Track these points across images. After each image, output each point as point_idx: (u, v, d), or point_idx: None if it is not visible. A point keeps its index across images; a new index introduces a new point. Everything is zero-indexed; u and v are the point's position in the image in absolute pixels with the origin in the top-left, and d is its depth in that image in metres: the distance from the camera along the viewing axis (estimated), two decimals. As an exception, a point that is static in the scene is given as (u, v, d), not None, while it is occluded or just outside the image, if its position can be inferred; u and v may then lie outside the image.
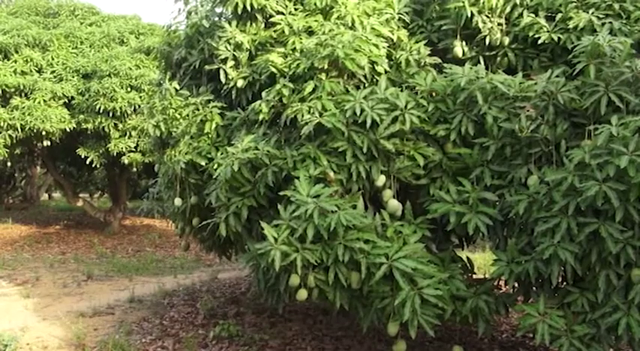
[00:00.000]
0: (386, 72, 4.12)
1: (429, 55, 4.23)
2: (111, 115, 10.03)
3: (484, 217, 3.45)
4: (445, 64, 3.93)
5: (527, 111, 3.39)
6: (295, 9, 4.66)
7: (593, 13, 3.82)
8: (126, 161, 10.41)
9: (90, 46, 11.19)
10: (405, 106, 3.64)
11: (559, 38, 3.89)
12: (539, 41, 3.93)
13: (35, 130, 9.87)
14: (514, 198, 3.37)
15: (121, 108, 9.93)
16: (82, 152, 10.67)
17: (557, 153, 3.40)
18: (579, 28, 3.79)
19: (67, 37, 11.17)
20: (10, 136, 9.83)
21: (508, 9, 4.16)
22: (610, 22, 3.72)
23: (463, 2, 4.12)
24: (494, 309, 3.55)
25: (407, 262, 3.28)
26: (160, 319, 5.77)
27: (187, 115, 4.60)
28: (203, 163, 4.40)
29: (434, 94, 3.81)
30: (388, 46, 4.27)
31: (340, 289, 3.59)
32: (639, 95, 3.24)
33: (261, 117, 4.13)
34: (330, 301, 3.66)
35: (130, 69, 10.22)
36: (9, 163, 13.11)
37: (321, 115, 3.73)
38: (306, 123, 3.72)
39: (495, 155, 3.57)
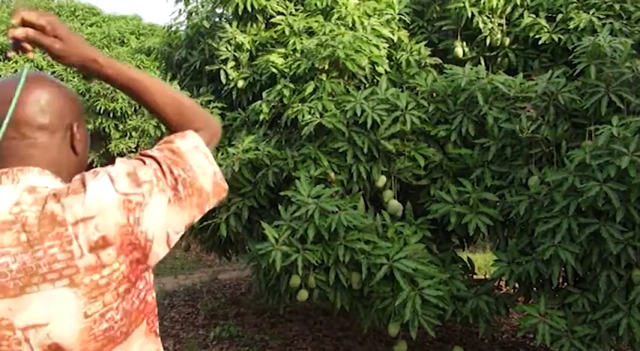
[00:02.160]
0: (386, 72, 4.12)
1: (430, 55, 4.23)
2: (111, 115, 10.03)
3: (485, 218, 3.44)
4: (446, 65, 3.93)
5: (528, 111, 3.39)
6: (296, 9, 4.66)
7: (593, 13, 3.82)
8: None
9: (90, 47, 11.19)
10: (406, 107, 3.64)
11: (560, 39, 3.89)
12: (540, 42, 3.93)
13: (36, 131, 9.87)
14: (515, 198, 3.37)
15: (121, 108, 9.93)
16: (82, 153, 10.68)
17: (558, 153, 3.40)
18: (580, 29, 3.78)
19: (67, 37, 11.18)
20: (10, 136, 9.83)
21: (509, 9, 4.16)
22: (611, 23, 3.71)
23: (464, 3, 4.12)
24: (495, 309, 3.55)
25: (407, 263, 3.28)
26: (160, 319, 5.73)
27: (188, 116, 4.60)
28: (204, 164, 4.40)
29: (434, 94, 3.81)
30: (389, 47, 4.27)
31: (341, 289, 3.59)
32: (640, 96, 3.24)
33: (261, 117, 4.13)
34: (331, 302, 3.66)
35: (131, 69, 10.23)
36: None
37: (321, 115, 3.73)
38: (307, 123, 3.72)
39: (496, 156, 3.57)
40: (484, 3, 4.09)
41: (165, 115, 1.09)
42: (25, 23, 0.94)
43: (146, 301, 1.01)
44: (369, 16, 4.43)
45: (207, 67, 4.73)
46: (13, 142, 0.98)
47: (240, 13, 4.50)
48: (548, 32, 3.93)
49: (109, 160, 10.88)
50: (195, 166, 1.03)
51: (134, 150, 10.33)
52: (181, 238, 1.32)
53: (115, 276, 0.94)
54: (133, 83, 1.05)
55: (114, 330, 0.95)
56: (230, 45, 4.55)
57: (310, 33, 4.40)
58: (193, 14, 5.22)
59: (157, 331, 1.06)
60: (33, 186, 0.96)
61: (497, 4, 4.09)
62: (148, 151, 1.04)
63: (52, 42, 0.97)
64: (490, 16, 4.17)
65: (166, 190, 0.99)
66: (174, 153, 1.02)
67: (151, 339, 1.04)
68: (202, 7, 5.20)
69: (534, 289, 3.54)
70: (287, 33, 4.42)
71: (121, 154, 10.27)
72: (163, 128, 4.67)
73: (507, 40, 4.15)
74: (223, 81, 4.57)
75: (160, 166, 1.01)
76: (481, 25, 4.13)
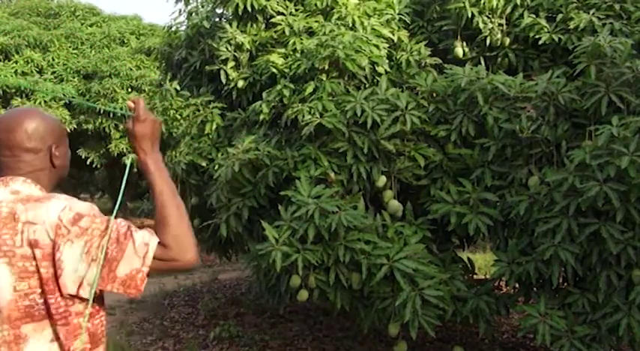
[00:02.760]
0: (386, 72, 4.12)
1: (430, 55, 4.23)
2: (111, 115, 10.04)
3: (485, 218, 3.44)
4: (446, 65, 3.93)
5: (528, 111, 3.39)
6: (296, 9, 4.66)
7: (593, 13, 3.82)
8: (126, 162, 10.42)
9: (91, 47, 11.20)
10: (406, 107, 3.64)
11: (560, 39, 3.89)
12: (540, 42, 3.93)
13: (36, 131, 9.87)
14: (515, 198, 3.37)
15: (121, 109, 9.92)
16: (82, 153, 10.69)
17: (558, 153, 3.40)
18: (580, 29, 3.78)
19: (67, 37, 11.18)
20: (10, 136, 9.83)
21: (509, 9, 4.16)
22: (611, 23, 3.71)
23: (464, 3, 4.12)
24: (495, 309, 3.55)
25: (408, 263, 3.28)
26: (160, 319, 5.77)
27: (188, 116, 4.60)
28: (204, 164, 4.40)
29: (434, 94, 3.80)
30: (389, 47, 4.27)
31: (341, 289, 3.58)
32: (640, 96, 3.24)
33: (261, 118, 4.13)
34: (331, 302, 3.66)
35: (131, 70, 10.24)
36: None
37: (321, 115, 3.73)
38: (307, 124, 3.71)
39: (496, 156, 3.57)
40: (484, 3, 4.09)
41: (157, 218, 1.37)
42: (134, 102, 1.46)
43: (66, 318, 1.29)
44: (369, 16, 4.43)
45: (207, 67, 4.73)
46: (8, 159, 1.39)
47: (240, 13, 4.50)
48: (549, 32, 3.93)
49: (108, 159, 10.90)
50: (127, 254, 1.28)
51: (134, 150, 10.33)
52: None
53: (39, 270, 1.27)
54: (154, 193, 1.42)
55: (34, 309, 1.28)
56: (230, 45, 4.55)
57: (310, 33, 4.40)
58: (193, 14, 5.22)
59: None
60: (17, 190, 1.35)
61: (497, 5, 4.09)
62: (120, 219, 1.33)
63: (128, 122, 1.47)
64: (490, 16, 4.17)
65: (92, 247, 1.27)
66: (126, 236, 1.29)
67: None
68: (202, 7, 5.20)
69: (534, 289, 3.54)
70: (287, 33, 4.42)
71: (121, 154, 10.28)
72: (163, 128, 4.68)
73: (507, 40, 4.15)
74: (223, 81, 4.57)
75: (105, 231, 1.28)
76: (481, 25, 4.13)
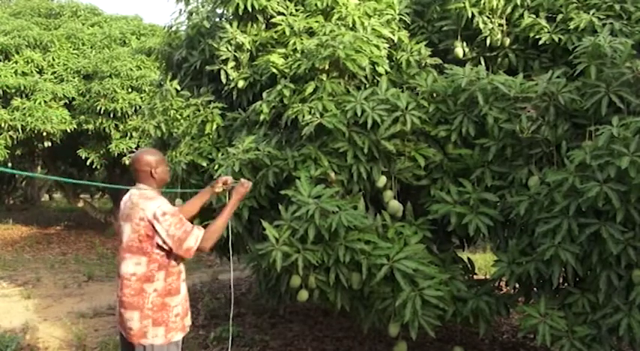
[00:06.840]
0: (387, 73, 4.12)
1: (430, 55, 4.23)
2: (112, 115, 10.03)
3: (485, 218, 3.45)
4: (446, 65, 3.93)
5: (528, 112, 3.39)
6: (296, 10, 4.66)
7: (593, 13, 3.82)
8: (127, 162, 10.41)
9: (91, 47, 11.19)
10: (406, 107, 3.64)
11: (560, 39, 3.89)
12: (540, 42, 3.93)
13: (36, 131, 9.88)
14: (515, 199, 3.37)
15: (121, 109, 9.93)
16: (82, 153, 10.68)
17: (558, 154, 3.40)
18: (580, 29, 3.78)
19: (68, 38, 11.18)
20: (10, 137, 9.84)
21: (509, 10, 4.16)
22: (611, 23, 3.71)
23: (464, 3, 4.12)
24: (495, 310, 3.55)
25: (408, 263, 3.28)
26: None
27: (188, 116, 4.60)
28: (204, 164, 4.40)
29: (435, 94, 3.81)
30: (389, 47, 4.27)
31: (341, 290, 3.59)
32: (640, 96, 3.24)
33: (262, 118, 4.13)
34: (331, 302, 3.66)
35: (131, 70, 10.22)
36: (10, 164, 13.12)
37: (322, 115, 3.73)
38: (307, 124, 3.72)
39: (496, 156, 3.57)
40: (484, 3, 4.09)
41: (210, 224, 2.89)
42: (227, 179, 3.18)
43: (150, 254, 2.73)
44: (370, 16, 4.43)
45: (207, 67, 4.73)
46: (134, 174, 2.88)
47: (240, 14, 4.50)
48: (549, 32, 3.93)
49: (109, 160, 10.89)
50: (189, 238, 2.78)
51: (134, 150, 10.32)
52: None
53: (141, 231, 2.70)
54: (220, 214, 2.92)
55: (132, 247, 2.74)
56: (230, 45, 4.55)
57: (310, 33, 4.40)
58: (194, 14, 5.22)
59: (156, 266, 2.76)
60: (140, 188, 2.84)
61: (497, 5, 4.09)
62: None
63: (220, 188, 3.18)
64: (490, 16, 4.17)
65: (170, 230, 2.75)
66: (192, 229, 2.81)
67: (148, 263, 2.75)
68: (203, 7, 5.20)
69: (535, 289, 3.54)
70: (287, 33, 4.42)
71: (121, 155, 10.27)
72: (164, 128, 4.69)
73: (507, 41, 4.15)
74: (224, 81, 4.57)
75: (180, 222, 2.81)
76: (481, 26, 4.13)
